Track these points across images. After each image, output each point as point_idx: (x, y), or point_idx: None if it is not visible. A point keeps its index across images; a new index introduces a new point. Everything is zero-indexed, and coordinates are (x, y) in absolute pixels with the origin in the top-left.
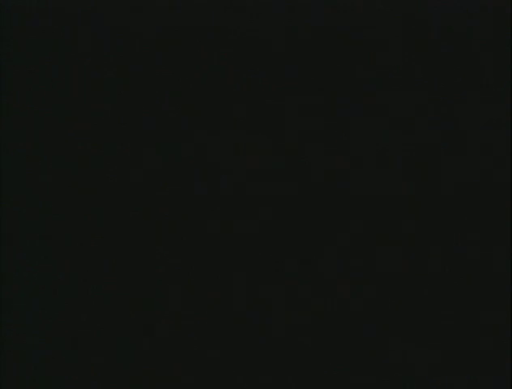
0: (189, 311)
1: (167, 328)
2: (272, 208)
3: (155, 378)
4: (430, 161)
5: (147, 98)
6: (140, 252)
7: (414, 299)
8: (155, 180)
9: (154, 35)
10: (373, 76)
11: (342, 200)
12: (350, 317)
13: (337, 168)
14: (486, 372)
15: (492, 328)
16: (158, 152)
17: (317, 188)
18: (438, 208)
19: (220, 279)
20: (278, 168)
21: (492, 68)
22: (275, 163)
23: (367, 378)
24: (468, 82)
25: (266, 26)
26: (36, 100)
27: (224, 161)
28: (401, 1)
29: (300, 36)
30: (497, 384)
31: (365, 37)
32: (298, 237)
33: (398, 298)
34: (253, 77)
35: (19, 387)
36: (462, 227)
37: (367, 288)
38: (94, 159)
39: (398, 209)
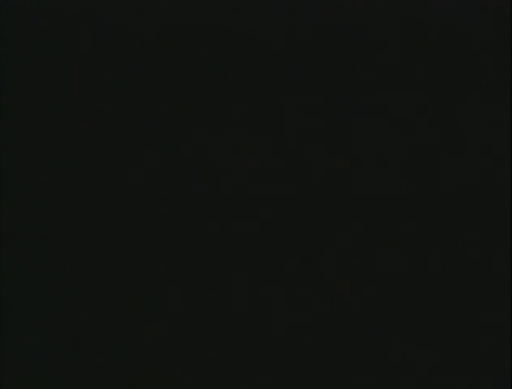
0: (189, 311)
1: (167, 328)
2: (272, 208)
3: (155, 378)
4: (430, 161)
5: (147, 98)
6: (140, 252)
7: (414, 299)
8: (155, 180)
9: (154, 35)
10: (373, 76)
11: (342, 200)
12: (350, 317)
13: (337, 168)
14: (486, 372)
15: (492, 328)
16: (158, 152)
17: (317, 188)
18: (438, 208)
19: (220, 279)
20: (278, 168)
21: (492, 68)
22: (275, 163)
23: (367, 378)
24: (468, 82)
25: (266, 26)
26: (36, 100)
27: (224, 161)
28: (401, 1)
29: (300, 36)
30: (497, 384)
31: (365, 37)
32: (298, 237)
33: (398, 298)
34: (253, 77)
35: (19, 387)
36: (462, 227)
37: (367, 288)
38: (94, 159)
39: (398, 209)
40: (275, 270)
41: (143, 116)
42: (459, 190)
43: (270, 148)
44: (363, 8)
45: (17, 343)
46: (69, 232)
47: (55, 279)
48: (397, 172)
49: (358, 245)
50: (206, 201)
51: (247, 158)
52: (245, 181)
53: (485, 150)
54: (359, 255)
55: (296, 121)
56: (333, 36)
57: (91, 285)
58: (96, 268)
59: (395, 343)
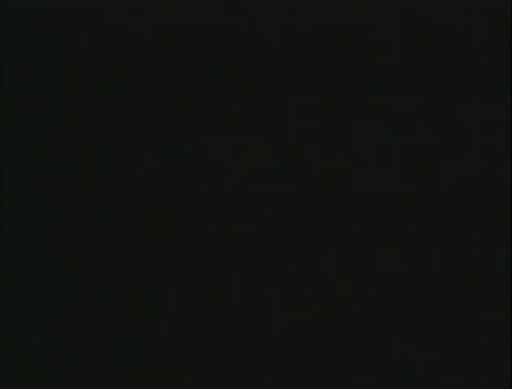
0: (189, 311)
1: (167, 328)
2: (272, 208)
3: (155, 378)
4: (430, 161)
5: (147, 98)
6: (140, 252)
7: (414, 299)
8: (155, 180)
9: (154, 35)
10: (373, 76)
11: (342, 200)
12: (350, 317)
13: (337, 168)
14: (486, 372)
15: (492, 328)
16: (158, 152)
17: (317, 188)
18: (438, 208)
19: (220, 279)
20: (278, 168)
21: (492, 68)
22: (275, 163)
23: (367, 378)
24: (468, 82)
25: (266, 26)
26: (36, 100)
27: (224, 161)
28: (401, 1)
29: (300, 36)
30: (497, 384)
31: (365, 37)
32: (298, 237)
33: (398, 298)
34: (253, 77)
35: (19, 387)
36: (462, 227)
37: (367, 288)
38: (94, 159)
39: (398, 209)
40: (275, 270)
41: (143, 116)
42: (459, 190)
43: (270, 148)
44: (363, 8)
45: (17, 343)
46: (69, 232)
47: (55, 279)
48: (397, 172)
49: (358, 245)
50: (206, 201)
51: (247, 158)
52: (245, 181)
53: (485, 150)
54: (359, 255)
55: (296, 121)
56: (333, 36)
57: (91, 285)
58: (96, 268)
59: (395, 343)
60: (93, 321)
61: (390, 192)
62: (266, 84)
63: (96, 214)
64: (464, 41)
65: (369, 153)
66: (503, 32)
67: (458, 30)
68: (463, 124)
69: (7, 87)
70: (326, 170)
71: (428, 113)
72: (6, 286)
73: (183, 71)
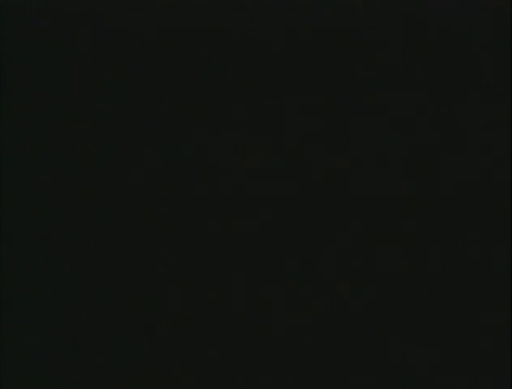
0: (189, 311)
1: (167, 328)
2: (272, 208)
3: (155, 378)
4: (430, 161)
5: (147, 98)
6: (140, 252)
7: (414, 299)
8: (155, 180)
9: (154, 35)
10: (373, 76)
11: (342, 200)
12: (350, 317)
13: (337, 168)
14: (486, 372)
15: (492, 328)
16: (158, 152)
17: (317, 188)
18: (438, 208)
19: (220, 279)
20: (278, 168)
21: (492, 68)
22: (275, 163)
23: (367, 378)
24: (468, 82)
25: (266, 26)
26: (36, 100)
27: (224, 161)
28: (401, 1)
29: (300, 36)
30: (497, 384)
31: (365, 37)
32: (298, 237)
33: (398, 298)
34: (253, 77)
35: (19, 387)
36: (462, 227)
37: (367, 288)
38: (94, 159)
39: (398, 209)
40: (275, 270)
41: (143, 116)
42: (459, 190)
43: (270, 148)
44: (363, 8)
45: (17, 343)
46: (69, 232)
47: (55, 279)
48: (397, 172)
49: (358, 245)
50: (206, 201)
51: (247, 158)
52: (245, 181)
53: (485, 150)
54: (359, 255)
55: (296, 121)
56: (333, 36)
57: (91, 285)
58: (96, 268)
59: (395, 343)
60: (93, 321)
61: (390, 192)
62: (266, 84)
63: (95, 214)
64: (464, 41)
65: (369, 153)
66: (503, 32)
67: (458, 30)
68: (463, 124)
69: (7, 87)
70: (326, 170)
71: (428, 113)
72: (6, 286)
73: (183, 71)
